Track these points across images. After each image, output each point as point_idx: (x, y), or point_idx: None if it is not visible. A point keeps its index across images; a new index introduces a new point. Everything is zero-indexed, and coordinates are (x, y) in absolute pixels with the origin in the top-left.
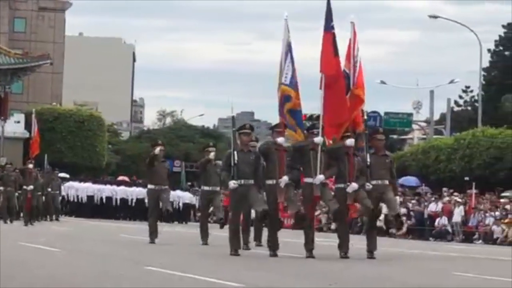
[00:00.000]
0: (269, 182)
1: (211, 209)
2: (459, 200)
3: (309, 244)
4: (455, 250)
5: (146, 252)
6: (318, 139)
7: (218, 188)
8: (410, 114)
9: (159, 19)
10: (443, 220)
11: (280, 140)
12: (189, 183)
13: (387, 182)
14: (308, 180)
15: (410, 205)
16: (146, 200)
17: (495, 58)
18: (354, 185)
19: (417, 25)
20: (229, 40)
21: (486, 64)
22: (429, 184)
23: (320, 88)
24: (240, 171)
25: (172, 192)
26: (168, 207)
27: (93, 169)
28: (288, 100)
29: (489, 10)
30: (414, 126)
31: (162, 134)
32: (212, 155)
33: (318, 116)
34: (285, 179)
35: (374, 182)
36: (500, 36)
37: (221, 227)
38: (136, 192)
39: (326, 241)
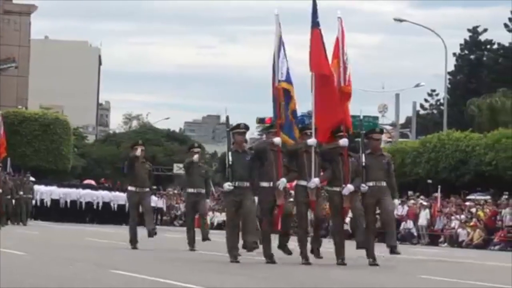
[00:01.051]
0: (265, 184)
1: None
2: (425, 203)
3: (305, 252)
4: (421, 253)
5: (112, 255)
6: (311, 141)
7: (203, 191)
8: (376, 118)
9: (125, 23)
10: (409, 223)
11: (276, 140)
12: (155, 187)
13: (384, 183)
14: (301, 182)
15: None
16: (112, 204)
17: (460, 62)
18: (349, 187)
19: (382, 28)
20: (194, 44)
21: (451, 68)
22: None
23: (312, 89)
24: (235, 172)
25: None
26: (152, 226)
27: (59, 172)
28: (289, 99)
29: (454, 14)
30: None
31: (128, 137)
32: (196, 157)
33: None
34: (283, 181)
35: (370, 183)
36: (465, 40)
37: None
38: (102, 196)
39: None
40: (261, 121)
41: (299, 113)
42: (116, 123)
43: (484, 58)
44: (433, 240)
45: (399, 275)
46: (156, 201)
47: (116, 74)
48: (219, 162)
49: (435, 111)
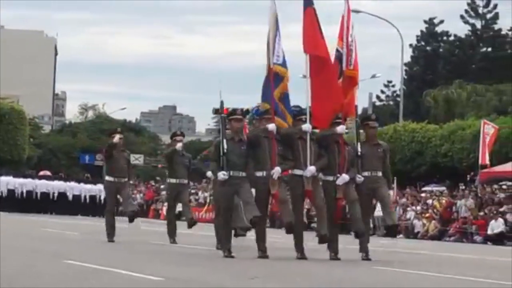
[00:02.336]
0: (259, 174)
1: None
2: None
3: (299, 245)
4: (376, 244)
5: (67, 246)
6: (306, 127)
7: (185, 181)
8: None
9: (81, 12)
10: None
11: (271, 127)
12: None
13: (380, 173)
14: (297, 172)
15: None
16: (68, 194)
17: (417, 53)
18: (344, 177)
19: (339, 19)
20: (151, 34)
21: (407, 59)
22: None
23: (305, 73)
24: (230, 161)
25: (94, 186)
26: (131, 208)
27: (14, 162)
28: (279, 81)
29: (410, 5)
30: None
31: (84, 127)
32: (179, 145)
33: (245, 110)
34: (278, 170)
35: (366, 173)
36: (421, 31)
37: (190, 226)
38: (58, 186)
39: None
40: (217, 111)
41: (255, 102)
42: (72, 113)
43: (440, 50)
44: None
45: (353, 266)
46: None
47: (72, 64)
48: (214, 150)
49: (391, 102)
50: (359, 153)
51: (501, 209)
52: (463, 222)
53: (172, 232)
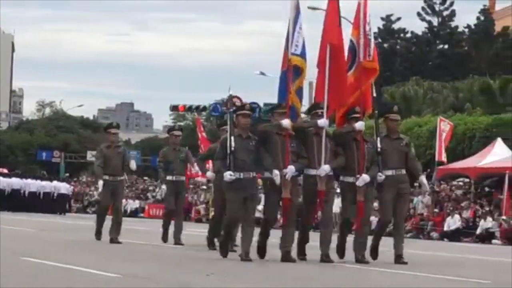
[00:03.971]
0: (270, 174)
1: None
2: (338, 190)
3: (299, 246)
4: (333, 240)
5: (25, 243)
6: (322, 122)
7: (183, 178)
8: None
9: (39, 9)
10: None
11: (285, 122)
12: (67, 174)
13: (403, 171)
14: (310, 172)
15: None
16: (22, 191)
17: None
18: (365, 178)
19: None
20: (108, 31)
21: None
22: None
23: (321, 62)
24: (238, 160)
25: (50, 183)
26: (114, 235)
27: None
28: (298, 74)
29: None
30: None
31: (41, 124)
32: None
33: (202, 107)
34: (291, 169)
35: (389, 172)
36: (379, 28)
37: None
38: (13, 183)
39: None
40: (174, 108)
41: (213, 99)
42: (29, 110)
43: (398, 47)
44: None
45: (308, 262)
46: (67, 189)
47: (29, 61)
48: (220, 148)
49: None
50: (379, 149)
51: (458, 206)
52: (420, 218)
53: (166, 233)
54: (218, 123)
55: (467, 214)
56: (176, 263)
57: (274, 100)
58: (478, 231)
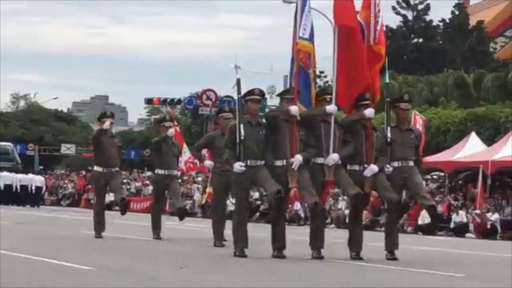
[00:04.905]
0: (278, 163)
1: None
2: None
3: (318, 241)
4: (307, 234)
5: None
6: (331, 108)
7: (175, 172)
8: (265, 99)
9: (14, 2)
10: (296, 205)
11: (294, 109)
12: (41, 167)
13: (411, 163)
14: (318, 160)
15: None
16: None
17: None
18: (373, 168)
19: (271, 10)
20: (84, 24)
21: None
22: None
23: (334, 45)
24: (248, 149)
25: (25, 176)
26: (119, 195)
27: None
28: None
29: None
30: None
31: (16, 117)
32: (170, 131)
33: (177, 101)
34: (298, 158)
35: (395, 163)
36: None
37: (181, 218)
38: None
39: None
40: (149, 101)
41: (187, 93)
42: (3, 103)
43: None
44: None
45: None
46: (42, 182)
47: (4, 54)
48: (228, 136)
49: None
50: (388, 139)
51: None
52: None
53: (156, 227)
54: (217, 110)
55: (441, 208)
56: (150, 256)
57: None
58: (452, 225)
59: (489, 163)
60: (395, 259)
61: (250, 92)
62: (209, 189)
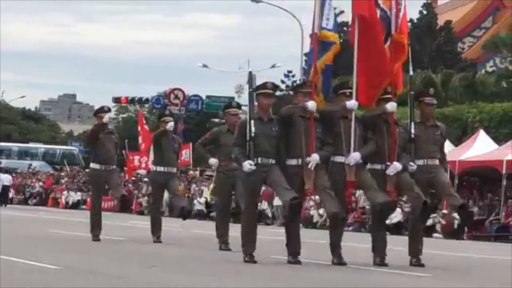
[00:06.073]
0: (292, 162)
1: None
2: None
3: (337, 248)
4: (274, 233)
5: None
6: (351, 103)
7: (174, 169)
8: (232, 98)
9: None
10: (263, 204)
11: (311, 105)
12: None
13: (436, 161)
14: (338, 158)
15: None
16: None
17: None
18: (396, 166)
19: (239, 9)
20: (51, 22)
21: (307, 49)
22: None
23: (352, 39)
24: (259, 146)
25: None
26: (120, 192)
27: None
28: (326, 49)
29: None
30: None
31: None
32: (170, 125)
33: (145, 100)
34: (315, 157)
35: (420, 162)
36: None
37: (184, 218)
38: None
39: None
40: (117, 100)
41: (155, 92)
42: None
43: (341, 40)
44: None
45: None
46: (10, 180)
47: None
48: (238, 133)
49: (291, 92)
50: (412, 136)
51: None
52: (362, 212)
53: (156, 229)
54: (224, 105)
55: (408, 207)
56: (117, 255)
57: (216, 92)
58: None
59: (457, 163)
60: (422, 265)
61: (263, 86)
62: (211, 187)
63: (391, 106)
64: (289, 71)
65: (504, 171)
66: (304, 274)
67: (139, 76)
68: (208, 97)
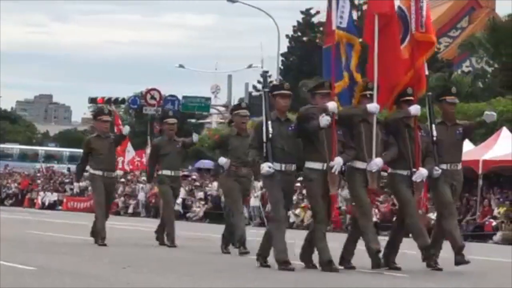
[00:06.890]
0: (315, 165)
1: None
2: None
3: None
4: (251, 234)
5: None
6: (372, 106)
7: (180, 173)
8: (209, 98)
9: None
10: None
11: (331, 106)
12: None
13: (459, 166)
14: (357, 164)
15: (207, 189)
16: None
17: (293, 43)
18: (422, 172)
19: (215, 9)
20: (26, 22)
21: (284, 49)
22: None
23: (369, 37)
24: (276, 148)
25: None
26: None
27: None
28: (351, 49)
29: None
30: (212, 110)
31: None
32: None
33: (121, 100)
34: (339, 161)
35: (444, 166)
36: (298, 22)
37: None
38: None
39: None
40: (93, 101)
41: (131, 92)
42: None
43: (317, 40)
44: (264, 221)
45: (219, 254)
46: None
47: None
48: (254, 134)
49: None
50: (434, 138)
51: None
52: (339, 213)
53: (170, 232)
54: (232, 107)
55: (383, 207)
56: (94, 256)
57: (194, 93)
58: None
59: None
60: (439, 269)
61: (279, 87)
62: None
63: (415, 109)
64: (266, 71)
65: (480, 171)
66: (282, 276)
67: (115, 76)
68: (184, 97)
